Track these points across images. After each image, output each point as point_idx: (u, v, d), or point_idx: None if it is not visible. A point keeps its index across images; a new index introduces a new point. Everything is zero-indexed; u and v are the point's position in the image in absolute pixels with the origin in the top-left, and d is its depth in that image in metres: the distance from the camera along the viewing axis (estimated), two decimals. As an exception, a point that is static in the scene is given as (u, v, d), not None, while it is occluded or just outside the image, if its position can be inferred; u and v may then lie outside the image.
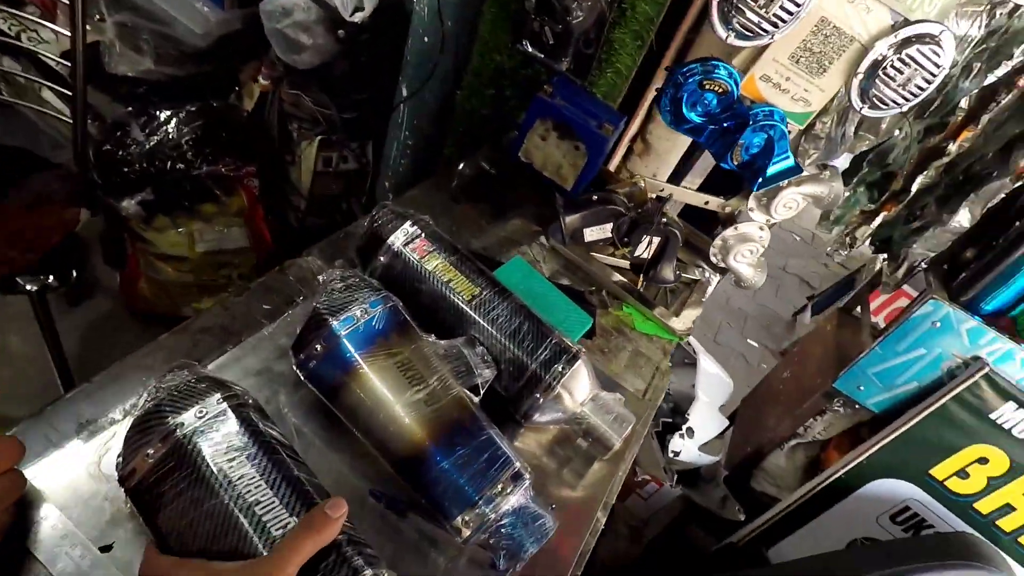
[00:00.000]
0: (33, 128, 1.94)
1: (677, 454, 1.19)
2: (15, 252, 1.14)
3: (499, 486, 0.53)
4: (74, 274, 1.52)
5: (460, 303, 0.66)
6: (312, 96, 1.50)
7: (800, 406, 1.15)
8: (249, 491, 0.43)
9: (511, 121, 1.20)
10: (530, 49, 1.10)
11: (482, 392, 0.61)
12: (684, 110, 0.69)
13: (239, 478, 0.43)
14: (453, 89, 1.30)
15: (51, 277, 1.35)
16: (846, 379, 1.03)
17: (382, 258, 0.69)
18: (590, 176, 1.03)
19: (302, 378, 0.57)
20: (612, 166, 1.04)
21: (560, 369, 0.64)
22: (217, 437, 0.44)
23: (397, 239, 0.69)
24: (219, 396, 0.47)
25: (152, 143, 1.57)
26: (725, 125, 0.70)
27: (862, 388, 1.01)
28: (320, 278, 0.61)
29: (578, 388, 0.65)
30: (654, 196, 0.93)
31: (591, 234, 0.86)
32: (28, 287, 1.18)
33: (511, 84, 1.18)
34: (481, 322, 0.66)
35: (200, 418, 0.45)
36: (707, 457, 1.22)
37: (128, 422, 0.46)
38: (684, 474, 1.27)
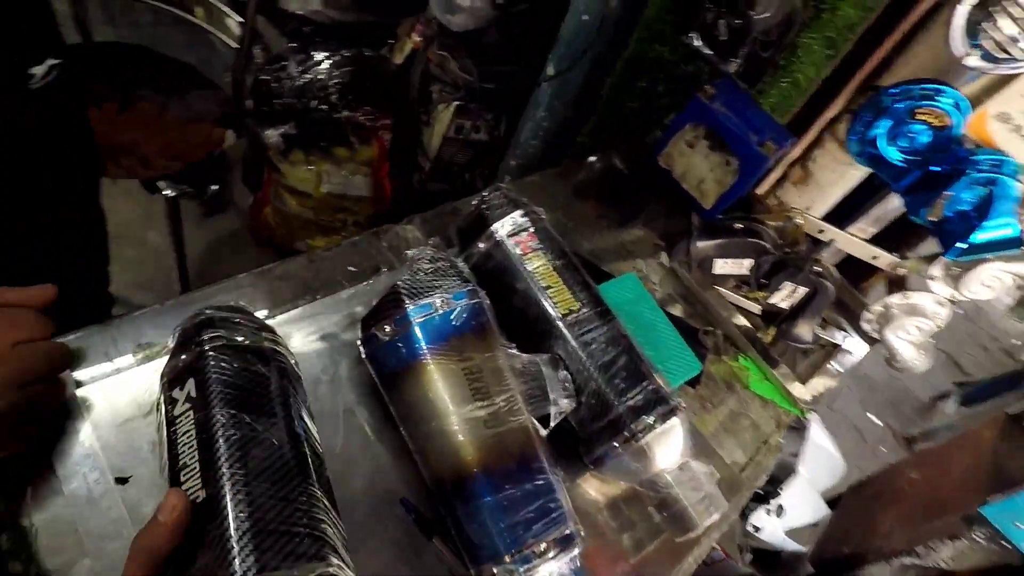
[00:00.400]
0: (210, 50, 2.08)
1: (758, 530, 1.04)
2: (164, 158, 1.21)
3: (543, 545, 0.44)
4: (211, 188, 1.61)
5: (554, 315, 0.58)
6: (458, 60, 1.47)
7: (928, 521, 0.96)
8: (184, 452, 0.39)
9: (658, 120, 1.09)
10: (697, 43, 0.98)
11: (552, 424, 0.52)
12: (882, 143, 0.55)
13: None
14: (603, 76, 1.20)
15: (189, 187, 1.44)
16: (1001, 508, 0.83)
17: (482, 245, 0.62)
18: (735, 197, 0.90)
19: (363, 355, 0.52)
20: (760, 190, 0.90)
21: (650, 421, 0.54)
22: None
23: (502, 227, 0.61)
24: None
25: (303, 81, 1.62)
26: (933, 169, 0.55)
27: (1021, 526, 0.81)
28: (409, 253, 0.55)
29: (666, 449, 0.55)
30: (809, 237, 0.79)
31: (723, 266, 0.74)
32: (167, 192, 1.25)
33: (667, 79, 1.06)
34: (572, 343, 0.57)
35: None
36: (792, 544, 1.05)
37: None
38: (760, 553, 1.11)
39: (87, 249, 1.09)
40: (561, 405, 0.52)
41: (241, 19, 1.47)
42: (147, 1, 1.43)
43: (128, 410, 0.47)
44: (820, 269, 0.71)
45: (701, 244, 0.72)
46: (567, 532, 0.45)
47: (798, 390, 0.76)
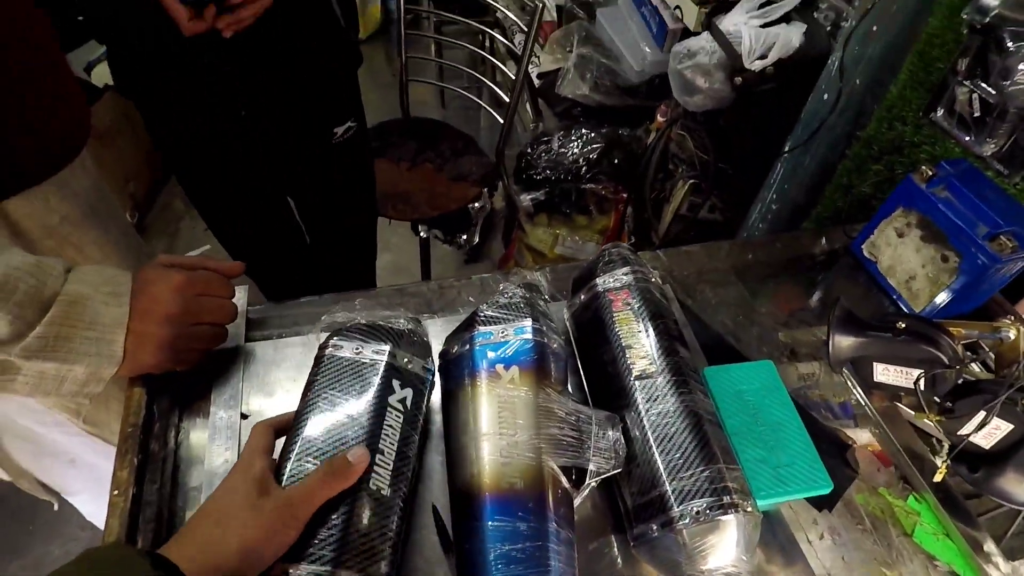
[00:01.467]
0: (491, 127, 2.51)
1: None
2: (426, 206, 1.50)
3: None
4: (460, 236, 1.91)
5: (625, 376, 0.56)
6: (696, 140, 1.48)
7: None
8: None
9: (890, 208, 0.93)
10: (944, 121, 0.83)
11: (590, 481, 0.50)
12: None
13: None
14: (839, 159, 1.08)
15: (440, 231, 1.74)
16: None
17: (582, 296, 0.64)
18: (963, 308, 0.72)
19: (436, 368, 0.58)
20: None
21: (695, 510, 0.47)
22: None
23: (605, 281, 0.62)
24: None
25: (560, 155, 1.82)
26: None
27: None
28: (501, 287, 0.60)
29: (714, 550, 0.47)
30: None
31: (884, 373, 0.59)
32: (422, 233, 1.54)
33: (907, 162, 0.91)
34: (640, 407, 0.54)
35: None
36: None
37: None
38: None
39: (357, 274, 1.42)
40: (598, 465, 0.50)
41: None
42: (464, 94, 1.82)
43: (276, 373, 0.62)
44: (1037, 405, 0.52)
45: (839, 339, 0.59)
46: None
47: (996, 567, 0.55)
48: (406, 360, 0.53)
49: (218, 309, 0.56)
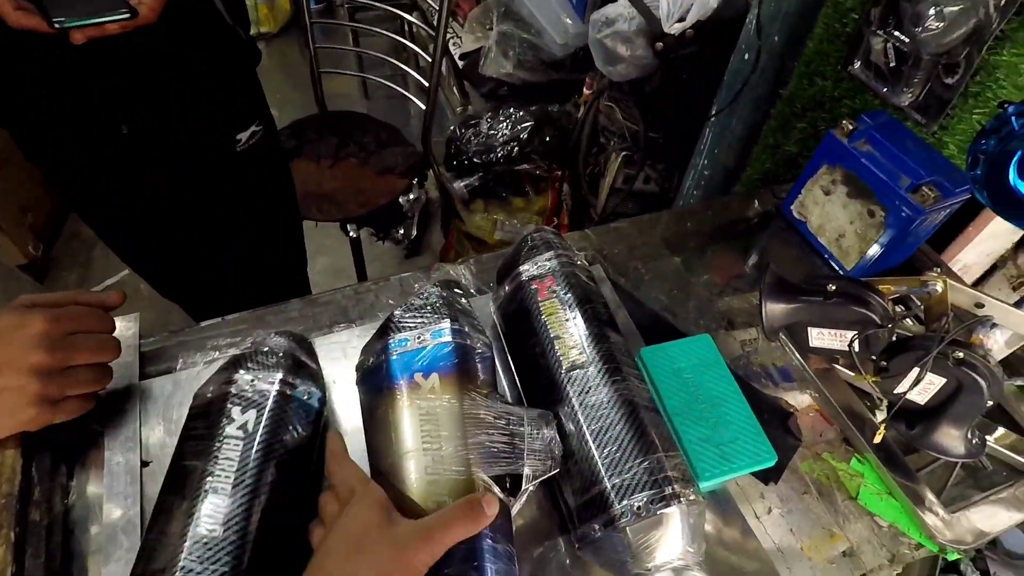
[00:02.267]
0: (418, 114, 2.43)
1: None
2: (353, 204, 1.43)
3: None
4: (394, 231, 1.84)
5: (556, 368, 0.53)
6: (624, 110, 1.45)
7: None
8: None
9: (815, 165, 0.93)
10: (861, 74, 0.82)
11: (526, 491, 0.47)
12: (1011, 175, 0.39)
13: None
14: (764, 119, 1.07)
15: (372, 228, 1.67)
16: None
17: (507, 286, 0.60)
18: (892, 261, 0.72)
19: (356, 382, 0.54)
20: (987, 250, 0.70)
21: (636, 505, 0.45)
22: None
23: (528, 269, 0.59)
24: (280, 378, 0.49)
25: (490, 136, 1.77)
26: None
27: None
28: (417, 286, 0.56)
29: (659, 544, 0.45)
30: (961, 311, 0.58)
31: (819, 338, 0.58)
32: (351, 233, 1.47)
33: (829, 118, 0.91)
34: (573, 400, 0.51)
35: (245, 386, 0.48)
36: None
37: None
38: None
39: (290, 284, 1.34)
40: (531, 467, 0.47)
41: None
42: (386, 83, 1.73)
43: (179, 408, 0.56)
44: (967, 357, 0.51)
45: (771, 308, 0.58)
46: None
47: (939, 521, 0.55)
48: (250, 380, 0.48)
49: (96, 347, 0.50)
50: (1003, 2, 0.64)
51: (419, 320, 0.52)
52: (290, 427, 0.48)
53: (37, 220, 1.87)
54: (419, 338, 0.50)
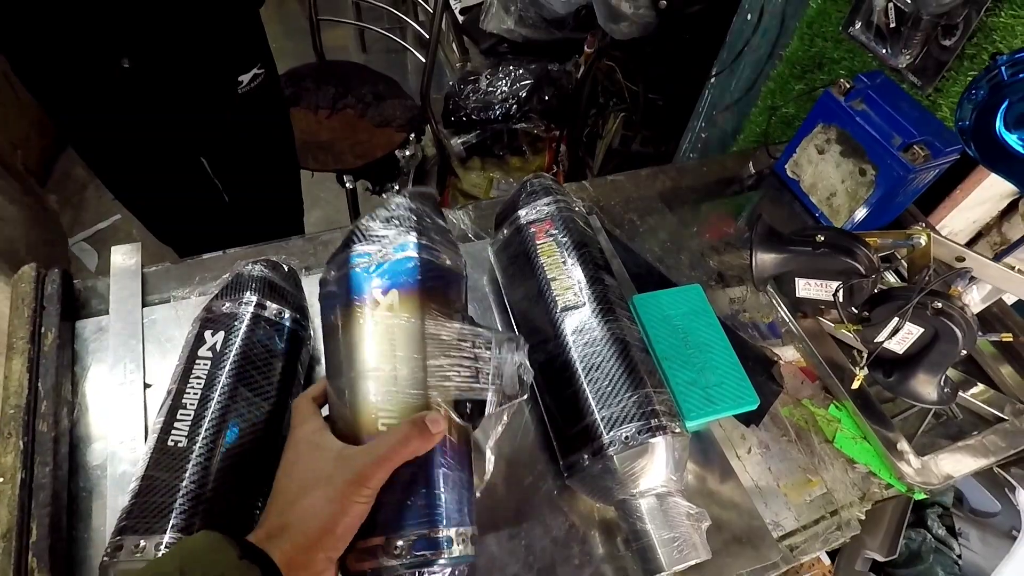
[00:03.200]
0: (416, 68, 2.39)
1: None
2: (350, 155, 1.42)
3: (399, 542, 0.38)
4: (389, 185, 1.83)
5: (551, 309, 0.54)
6: (625, 71, 1.44)
7: None
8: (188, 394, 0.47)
9: (812, 127, 0.94)
10: (862, 35, 0.82)
11: (493, 417, 0.45)
12: (998, 124, 0.40)
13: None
14: (763, 79, 1.07)
15: (368, 181, 1.66)
16: None
17: (505, 230, 0.62)
18: (880, 220, 0.74)
19: (318, 298, 0.50)
20: (971, 219, 0.72)
21: (624, 435, 0.47)
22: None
23: (527, 213, 0.60)
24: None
25: (489, 93, 1.75)
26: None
27: None
28: (386, 196, 0.54)
29: (644, 472, 0.47)
30: (943, 266, 0.60)
31: (806, 288, 0.60)
32: (347, 184, 1.47)
33: (827, 79, 0.91)
34: (567, 338, 0.53)
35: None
36: None
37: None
38: None
39: (285, 232, 1.33)
40: (495, 393, 0.44)
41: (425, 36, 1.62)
42: (385, 35, 1.70)
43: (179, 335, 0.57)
44: (945, 306, 0.53)
45: (761, 259, 0.60)
46: (437, 536, 0.39)
47: (909, 466, 0.58)
48: (222, 306, 0.51)
49: None
50: (1006, -37, 0.64)
51: (385, 232, 0.48)
52: (260, 347, 0.49)
53: (29, 158, 1.84)
54: (381, 252, 0.47)
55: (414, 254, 0.47)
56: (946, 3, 0.68)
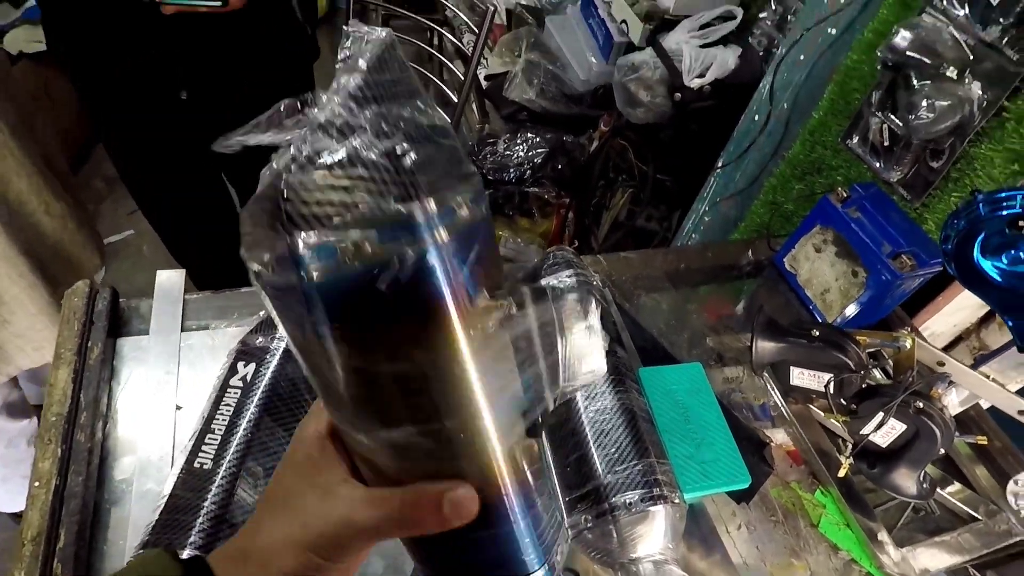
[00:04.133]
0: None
1: None
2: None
3: None
4: None
5: (566, 371, 0.58)
6: (635, 151, 1.54)
7: None
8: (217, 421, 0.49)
9: (809, 225, 1.01)
10: (858, 148, 0.90)
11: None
12: (975, 252, 0.46)
13: None
14: (766, 176, 1.16)
15: None
16: None
17: (527, 294, 0.66)
18: (869, 319, 0.79)
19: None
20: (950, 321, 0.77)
21: (627, 501, 0.50)
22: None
23: (549, 283, 0.65)
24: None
25: (505, 157, 1.84)
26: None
27: None
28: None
29: (644, 538, 0.50)
30: (925, 368, 0.65)
31: (800, 377, 0.65)
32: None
33: (826, 183, 0.99)
34: (578, 403, 0.57)
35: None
36: None
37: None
38: None
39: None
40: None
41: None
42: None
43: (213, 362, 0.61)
44: (924, 407, 0.58)
45: (762, 346, 0.65)
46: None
47: (888, 557, 0.61)
48: (256, 340, 0.54)
49: None
50: (985, 103, 0.72)
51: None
52: (288, 381, 0.53)
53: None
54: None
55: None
56: (933, 132, 0.76)
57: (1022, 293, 0.45)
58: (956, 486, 0.70)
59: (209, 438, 0.49)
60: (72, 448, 0.49)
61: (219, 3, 0.63)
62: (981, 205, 0.45)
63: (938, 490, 0.68)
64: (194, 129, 0.92)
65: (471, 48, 1.53)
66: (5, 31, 1.85)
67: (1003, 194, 0.45)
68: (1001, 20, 0.70)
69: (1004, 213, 0.44)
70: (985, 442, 0.62)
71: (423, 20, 1.71)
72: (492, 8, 1.40)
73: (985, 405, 0.72)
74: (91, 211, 1.96)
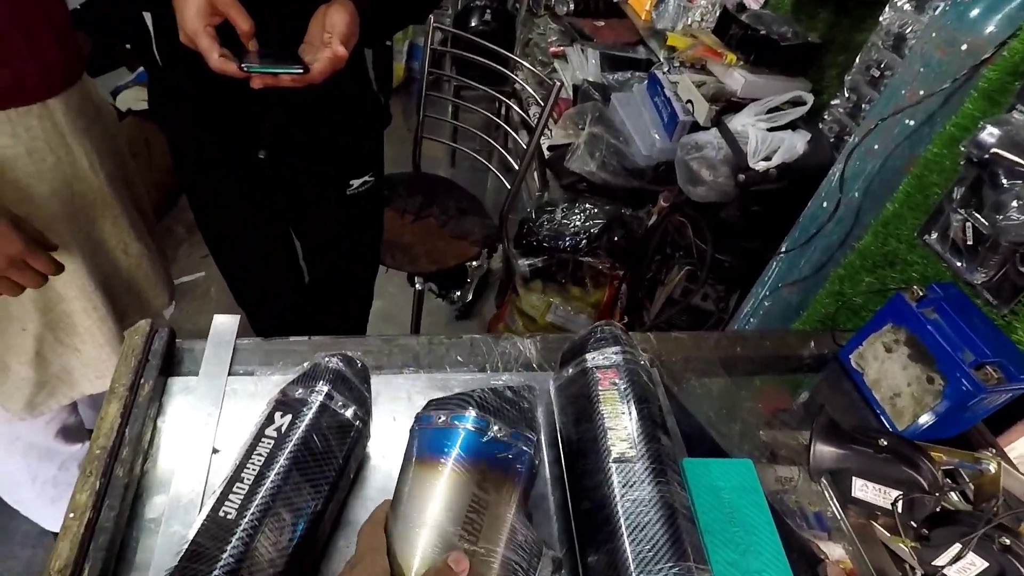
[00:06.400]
0: (495, 187, 2.56)
1: None
2: (425, 260, 1.52)
3: None
4: (454, 292, 1.91)
5: (604, 457, 0.55)
6: (694, 228, 1.52)
7: None
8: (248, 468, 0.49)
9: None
10: (937, 245, 0.86)
11: None
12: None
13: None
14: (833, 265, 1.11)
15: (435, 285, 1.75)
16: None
17: (570, 370, 0.64)
18: (944, 433, 0.72)
19: (412, 427, 0.56)
20: None
21: (661, 608, 0.46)
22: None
23: (594, 358, 0.63)
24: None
25: (562, 225, 1.86)
26: None
27: None
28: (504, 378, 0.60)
29: (677, 652, 0.46)
30: (1012, 496, 0.58)
31: (863, 490, 0.59)
32: (417, 285, 1.55)
33: (900, 279, 0.94)
34: (615, 490, 0.53)
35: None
36: None
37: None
38: None
39: (351, 319, 1.41)
40: None
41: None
42: (474, 155, 1.88)
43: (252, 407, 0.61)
44: (1013, 545, 0.51)
45: (819, 449, 0.59)
46: None
47: None
48: (295, 391, 0.54)
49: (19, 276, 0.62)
50: (1084, 208, 0.67)
51: (505, 414, 0.54)
52: (320, 436, 0.52)
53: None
54: (502, 431, 0.52)
55: (524, 447, 0.53)
56: None
57: None
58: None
59: (237, 487, 0.48)
60: (110, 482, 0.49)
61: (300, 70, 0.67)
62: None
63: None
64: (268, 185, 0.98)
65: (536, 119, 1.58)
66: (119, 91, 2.07)
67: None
68: (1097, 124, 0.67)
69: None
70: (1084, 590, 0.54)
71: (492, 91, 1.80)
72: (559, 83, 1.45)
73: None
74: (169, 254, 2.10)
